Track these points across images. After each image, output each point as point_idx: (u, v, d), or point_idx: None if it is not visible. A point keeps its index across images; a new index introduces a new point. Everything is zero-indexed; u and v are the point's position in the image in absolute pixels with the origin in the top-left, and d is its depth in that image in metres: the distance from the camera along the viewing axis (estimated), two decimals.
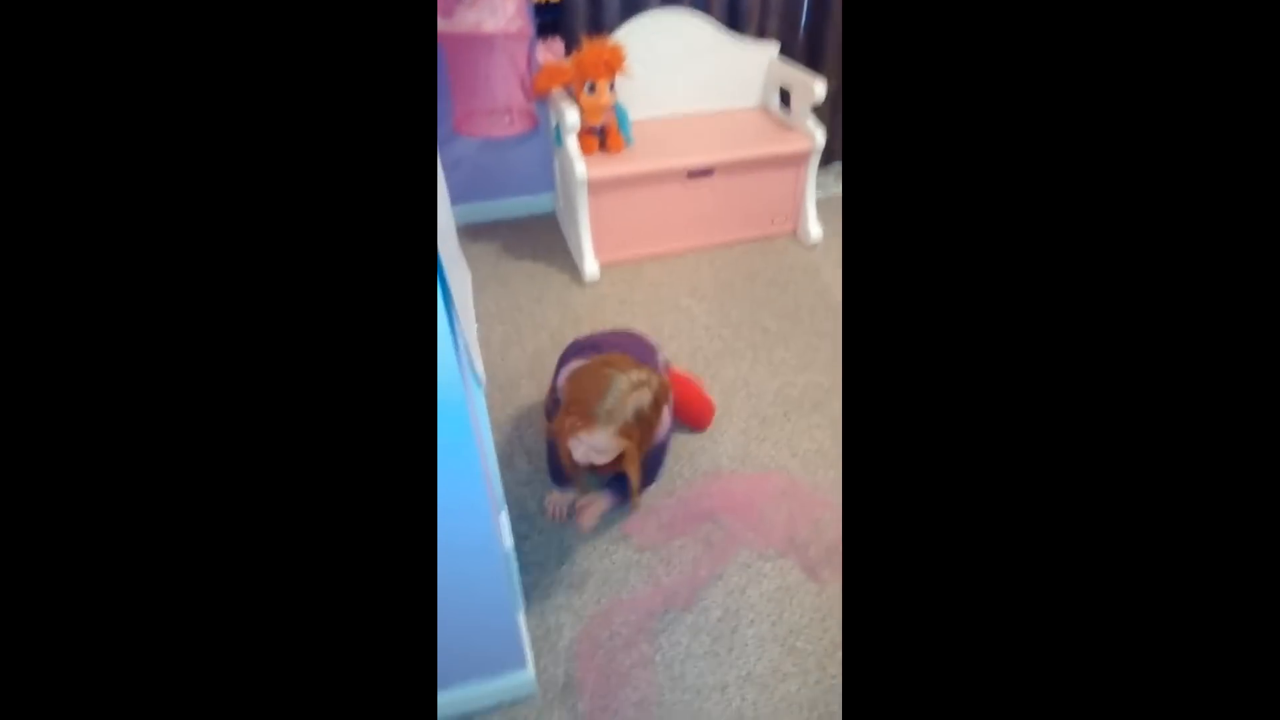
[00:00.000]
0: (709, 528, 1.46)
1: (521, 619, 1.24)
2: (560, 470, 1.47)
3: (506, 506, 1.29)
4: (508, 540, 1.16)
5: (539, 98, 2.21)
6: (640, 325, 1.98)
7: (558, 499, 1.47)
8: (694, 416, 1.67)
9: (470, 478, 0.84)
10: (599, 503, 1.47)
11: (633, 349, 1.52)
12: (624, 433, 1.24)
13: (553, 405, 1.42)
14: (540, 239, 2.43)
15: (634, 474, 1.33)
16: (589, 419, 1.23)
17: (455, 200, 2.42)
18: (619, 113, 2.19)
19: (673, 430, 1.60)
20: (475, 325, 1.30)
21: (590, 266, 2.20)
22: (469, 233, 2.44)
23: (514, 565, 1.24)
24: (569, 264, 2.30)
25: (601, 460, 1.30)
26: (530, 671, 1.18)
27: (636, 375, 1.26)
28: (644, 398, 1.25)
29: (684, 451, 1.64)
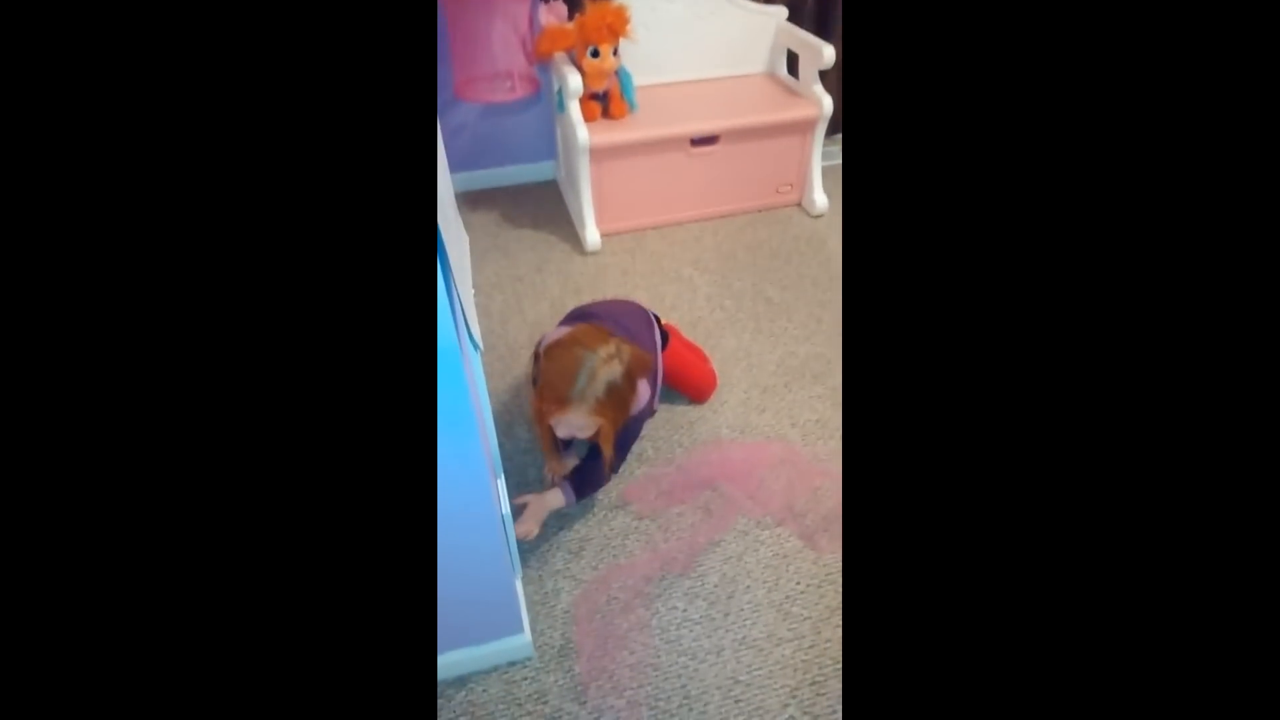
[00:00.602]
0: (708, 495, 1.47)
1: (519, 584, 1.26)
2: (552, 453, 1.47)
3: (504, 473, 1.30)
4: (504, 506, 1.16)
5: (541, 62, 2.17)
6: (642, 295, 1.97)
7: (556, 468, 1.48)
8: (695, 388, 1.67)
9: (468, 444, 0.84)
10: (549, 498, 1.39)
11: (629, 319, 1.51)
12: (598, 410, 1.24)
13: (536, 375, 1.41)
14: (541, 207, 2.41)
15: (608, 449, 1.33)
16: (564, 402, 1.23)
17: (455, 168, 2.40)
18: (622, 77, 2.15)
19: (654, 401, 1.55)
20: (473, 292, 1.30)
21: (592, 235, 2.18)
22: (469, 200, 2.42)
23: (511, 531, 1.25)
24: (570, 233, 2.28)
25: (584, 435, 1.31)
26: (527, 636, 1.19)
27: (605, 350, 1.25)
28: (614, 371, 1.25)
29: (684, 420, 1.64)
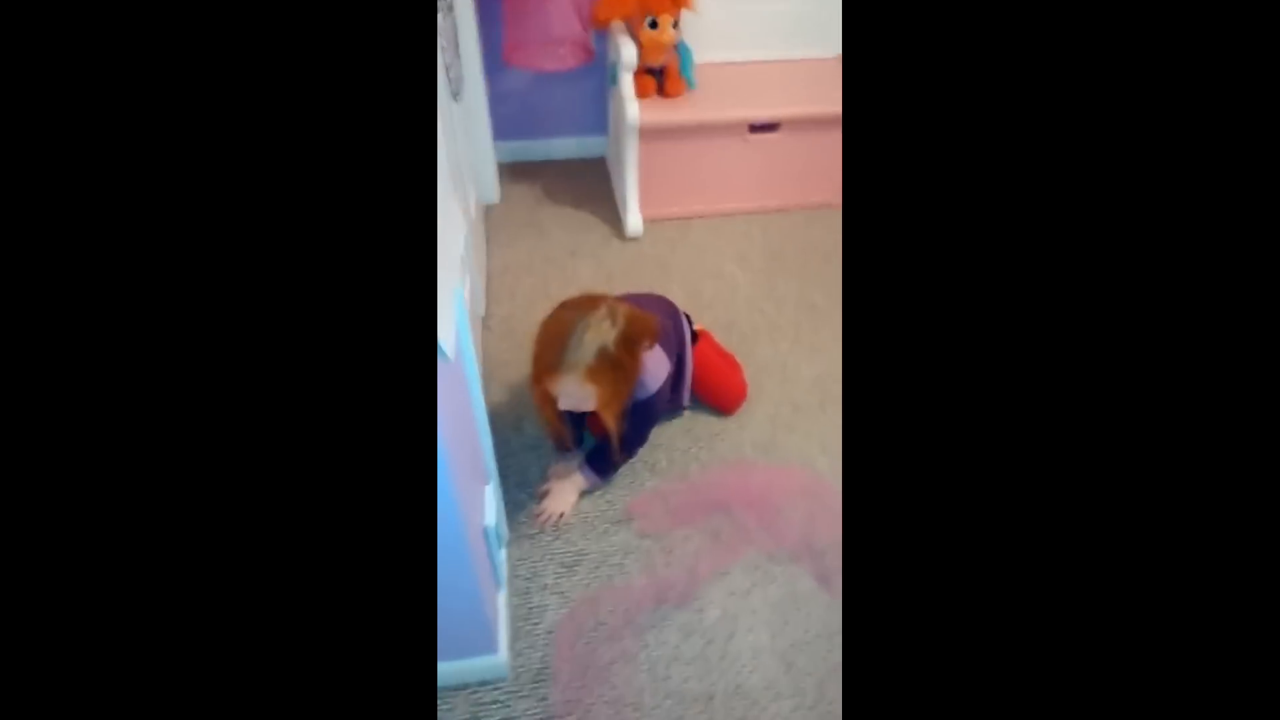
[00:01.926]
0: (719, 519, 1.35)
1: (502, 598, 1.17)
2: (557, 433, 1.39)
3: (498, 476, 1.21)
4: (490, 516, 1.07)
5: (597, 29, 2.04)
6: (677, 291, 1.84)
7: (560, 471, 1.38)
8: (721, 397, 1.54)
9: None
10: (573, 481, 1.36)
11: (653, 308, 1.40)
12: (591, 376, 1.15)
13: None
14: (585, 185, 2.28)
15: (610, 421, 1.24)
16: (554, 368, 1.16)
17: (500, 136, 2.29)
18: (682, 52, 2.00)
19: (681, 392, 1.47)
20: (466, 281, 1.20)
21: (633, 220, 2.06)
22: (511, 172, 2.32)
23: (498, 539, 1.16)
24: (612, 215, 2.15)
25: (585, 407, 1.22)
26: (502, 655, 1.10)
27: (597, 314, 1.17)
28: (606, 335, 1.16)
29: (705, 432, 1.51)
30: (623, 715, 1.08)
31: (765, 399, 1.59)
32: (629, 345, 1.19)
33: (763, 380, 1.63)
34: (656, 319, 1.30)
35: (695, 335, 1.51)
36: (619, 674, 1.12)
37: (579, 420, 1.41)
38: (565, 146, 2.40)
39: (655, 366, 1.30)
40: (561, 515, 1.33)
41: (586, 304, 1.20)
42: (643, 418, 1.35)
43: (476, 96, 1.96)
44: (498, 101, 2.21)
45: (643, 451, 1.45)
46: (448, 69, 1.51)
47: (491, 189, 2.16)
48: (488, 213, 2.15)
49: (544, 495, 1.35)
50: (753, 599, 1.23)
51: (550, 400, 1.23)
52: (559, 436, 1.39)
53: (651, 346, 1.27)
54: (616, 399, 1.21)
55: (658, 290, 1.60)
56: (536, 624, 1.19)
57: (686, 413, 1.54)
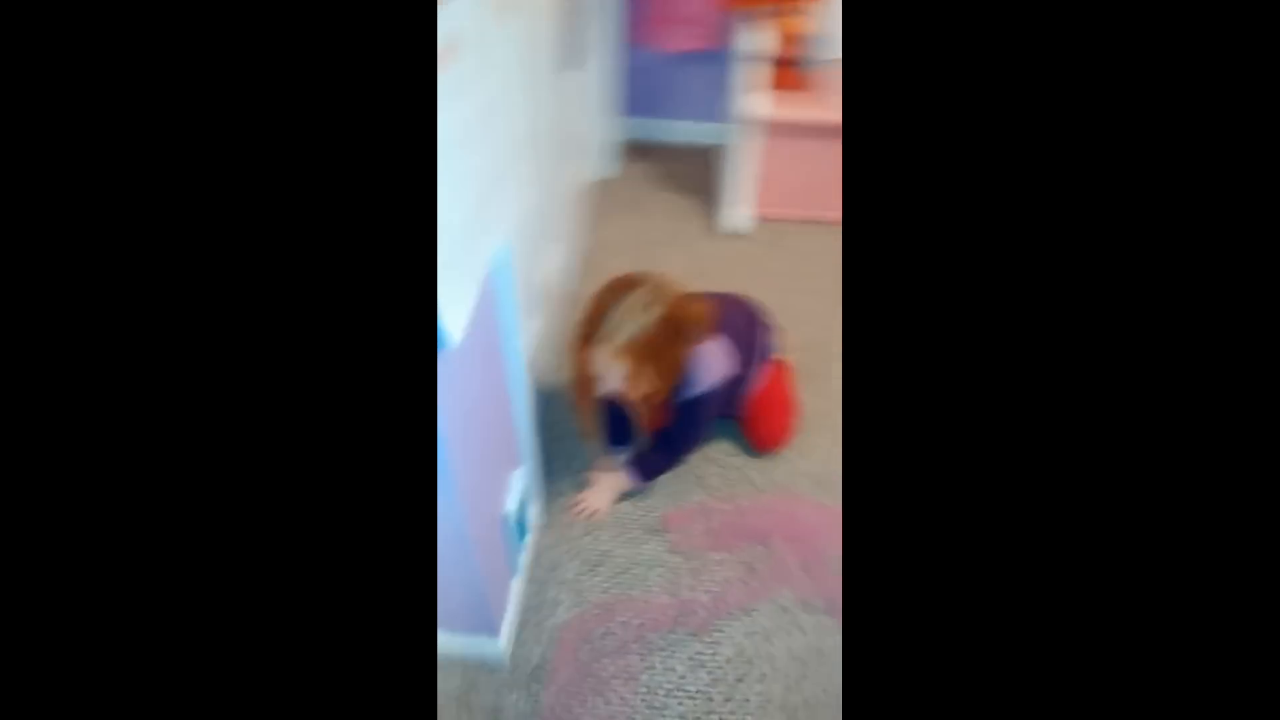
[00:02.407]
0: (758, 551, 1.27)
1: (516, 584, 1.15)
2: (615, 425, 1.34)
3: (545, 459, 1.18)
4: (512, 501, 1.05)
5: (735, 10, 1.93)
6: (766, 297, 1.73)
7: (605, 466, 1.34)
8: (762, 427, 1.40)
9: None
10: (615, 479, 1.31)
11: (737, 320, 1.31)
12: (621, 353, 1.08)
13: None
14: (698, 173, 2.20)
15: (644, 411, 1.18)
16: (585, 340, 1.11)
17: (624, 112, 2.25)
18: (819, 46, 1.86)
19: (740, 384, 1.33)
20: (537, 246, 1.16)
21: (740, 217, 1.96)
22: (630, 149, 2.28)
23: (521, 526, 1.13)
24: (716, 208, 2.07)
25: (614, 388, 1.15)
26: (502, 642, 1.09)
27: (639, 292, 1.10)
28: (646, 315, 1.08)
29: (760, 460, 1.42)
30: None
31: (830, 431, 1.47)
32: (672, 331, 1.11)
33: (831, 409, 1.50)
34: (710, 311, 1.20)
35: (771, 356, 1.41)
36: (616, 691, 1.08)
37: (622, 418, 1.36)
38: (688, 130, 2.32)
39: (711, 363, 1.20)
40: (596, 512, 1.29)
41: (633, 281, 1.13)
42: (690, 418, 1.26)
43: (600, 70, 1.92)
44: (625, 77, 2.16)
45: (693, 461, 1.38)
46: (563, 39, 1.47)
47: (604, 163, 2.13)
48: (600, 188, 2.12)
49: (587, 484, 1.32)
50: (774, 645, 1.15)
51: (584, 379, 1.18)
52: (586, 421, 1.31)
53: (702, 340, 1.18)
54: (650, 384, 1.14)
55: (748, 292, 1.50)
56: (546, 618, 1.16)
57: None
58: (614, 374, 1.12)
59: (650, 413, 1.19)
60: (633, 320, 1.08)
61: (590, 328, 1.10)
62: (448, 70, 0.58)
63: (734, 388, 1.30)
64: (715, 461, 1.41)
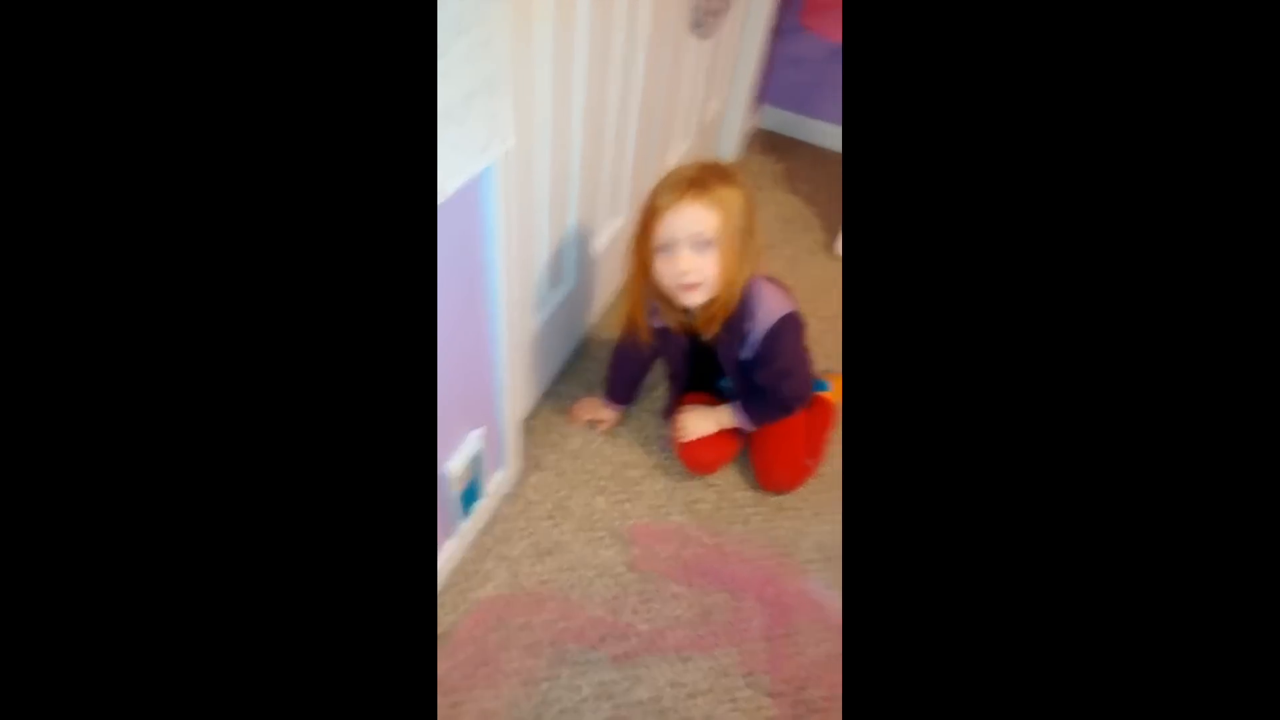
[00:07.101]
0: (720, 601, 1.12)
1: (450, 546, 1.09)
2: (623, 364, 1.24)
3: (520, 425, 1.11)
4: (457, 464, 0.98)
5: None
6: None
7: (587, 404, 1.29)
8: (779, 458, 1.24)
9: None
10: (716, 413, 1.21)
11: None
12: (714, 200, 0.96)
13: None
14: (826, 181, 2.00)
15: (726, 291, 1.02)
16: (671, 189, 0.97)
17: (767, 99, 2.09)
18: None
19: (793, 337, 1.13)
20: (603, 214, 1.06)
21: None
22: (765, 140, 2.12)
23: (468, 493, 1.07)
24: (837, 225, 1.87)
25: (702, 279, 0.99)
26: None
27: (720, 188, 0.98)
28: (736, 193, 0.99)
29: (767, 503, 1.26)
30: None
31: None
32: (750, 218, 1.02)
33: None
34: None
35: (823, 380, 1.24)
36: (509, 691, 1.00)
37: (632, 367, 1.26)
38: (826, 134, 2.12)
39: (769, 295, 1.07)
40: (692, 433, 1.22)
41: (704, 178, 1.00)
42: (779, 342, 1.08)
43: (737, 47, 1.77)
44: (783, 64, 2.00)
45: (691, 484, 1.25)
46: (696, 5, 1.35)
47: (724, 146, 1.98)
48: None
49: (684, 416, 1.23)
50: (695, 707, 1.01)
51: (644, 272, 1.04)
52: (634, 325, 1.13)
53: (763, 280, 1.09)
54: (729, 272, 1.00)
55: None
56: (471, 590, 1.10)
57: None
58: (705, 226, 0.97)
59: (727, 290, 1.02)
60: (721, 185, 0.98)
61: (662, 189, 0.99)
62: None
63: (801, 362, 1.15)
64: (716, 486, 1.26)
